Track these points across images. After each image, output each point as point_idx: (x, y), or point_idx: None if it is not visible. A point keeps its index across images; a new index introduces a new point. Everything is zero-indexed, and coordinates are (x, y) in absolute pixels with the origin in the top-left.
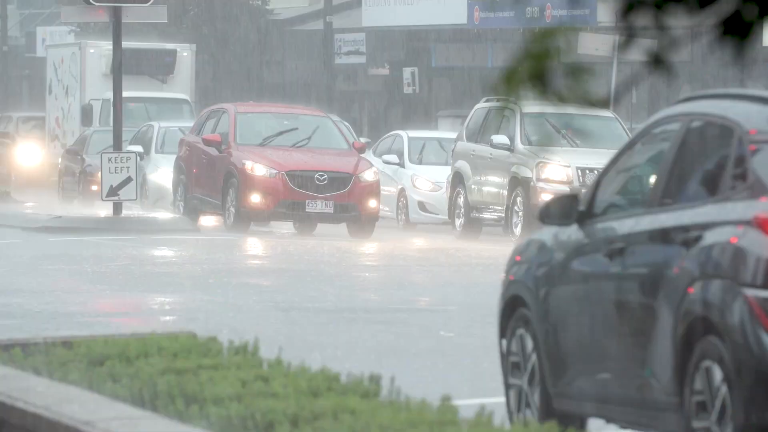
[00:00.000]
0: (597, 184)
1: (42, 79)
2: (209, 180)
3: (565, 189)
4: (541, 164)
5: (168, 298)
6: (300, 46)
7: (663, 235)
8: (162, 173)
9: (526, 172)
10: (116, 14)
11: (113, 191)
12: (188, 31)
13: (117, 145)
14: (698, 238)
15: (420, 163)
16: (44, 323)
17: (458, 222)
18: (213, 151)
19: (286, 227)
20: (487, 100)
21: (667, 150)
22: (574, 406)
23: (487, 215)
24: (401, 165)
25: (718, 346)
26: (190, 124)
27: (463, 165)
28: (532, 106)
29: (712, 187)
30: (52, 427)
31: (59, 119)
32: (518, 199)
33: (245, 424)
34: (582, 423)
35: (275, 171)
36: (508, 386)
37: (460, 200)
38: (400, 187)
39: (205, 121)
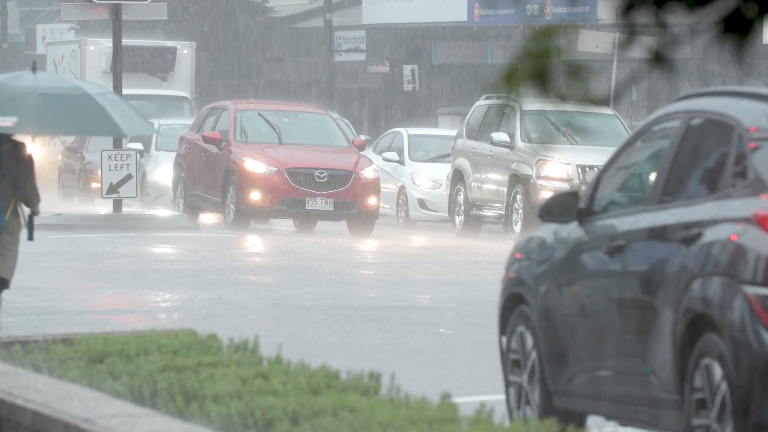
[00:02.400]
0: (597, 182)
1: None
2: (209, 177)
3: (565, 186)
4: (541, 162)
5: (168, 296)
6: (300, 43)
7: (663, 233)
8: (162, 171)
9: (526, 170)
10: (116, 11)
11: (113, 189)
12: (188, 28)
13: (117, 143)
14: (698, 236)
15: (420, 160)
16: (44, 320)
17: (458, 219)
18: (213, 148)
19: (286, 225)
20: (487, 98)
21: (667, 147)
22: (574, 403)
23: (487, 213)
24: (401, 162)
25: (718, 343)
26: (190, 121)
27: (463, 162)
28: (532, 103)
29: (712, 185)
30: (51, 425)
31: None
32: (518, 197)
33: (245, 422)
34: (582, 420)
35: (275, 168)
36: (508, 383)
37: (460, 198)
38: (400, 184)
39: (205, 118)
